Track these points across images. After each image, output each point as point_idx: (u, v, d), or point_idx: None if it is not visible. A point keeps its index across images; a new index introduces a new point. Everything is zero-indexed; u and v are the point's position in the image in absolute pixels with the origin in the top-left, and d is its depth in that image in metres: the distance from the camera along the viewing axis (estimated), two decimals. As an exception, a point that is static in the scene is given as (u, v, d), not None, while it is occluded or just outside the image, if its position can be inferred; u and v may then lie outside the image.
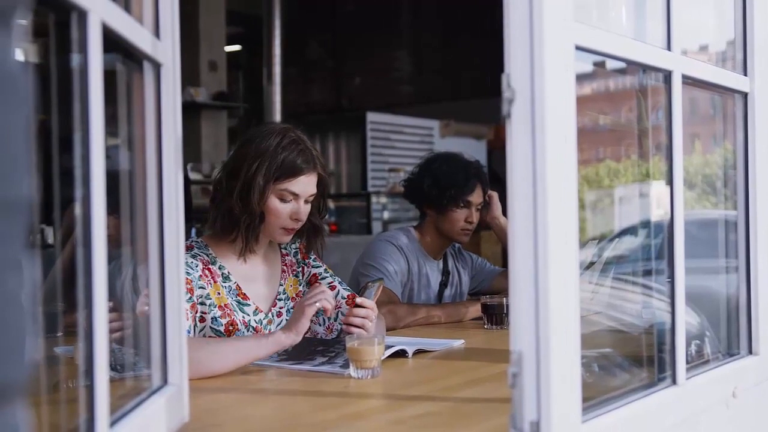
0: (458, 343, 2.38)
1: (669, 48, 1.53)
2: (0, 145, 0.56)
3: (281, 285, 2.38)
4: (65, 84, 1.05)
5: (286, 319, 2.32)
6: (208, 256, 2.24)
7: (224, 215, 2.23)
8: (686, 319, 1.59)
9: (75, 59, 1.04)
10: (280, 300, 2.36)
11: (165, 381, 1.39)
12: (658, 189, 1.96)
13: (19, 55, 0.60)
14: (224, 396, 1.80)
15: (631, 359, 1.77)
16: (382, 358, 1.95)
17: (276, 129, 2.26)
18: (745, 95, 1.83)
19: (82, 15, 1.01)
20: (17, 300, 0.58)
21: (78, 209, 1.03)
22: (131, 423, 1.18)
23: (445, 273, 3.19)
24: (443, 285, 3.18)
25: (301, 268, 2.44)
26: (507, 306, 2.68)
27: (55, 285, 2.05)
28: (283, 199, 2.22)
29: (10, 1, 0.57)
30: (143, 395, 1.31)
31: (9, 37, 0.57)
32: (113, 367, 1.27)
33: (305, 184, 2.23)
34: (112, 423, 1.10)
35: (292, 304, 2.36)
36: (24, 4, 0.60)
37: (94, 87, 1.03)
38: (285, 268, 2.41)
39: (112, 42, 1.13)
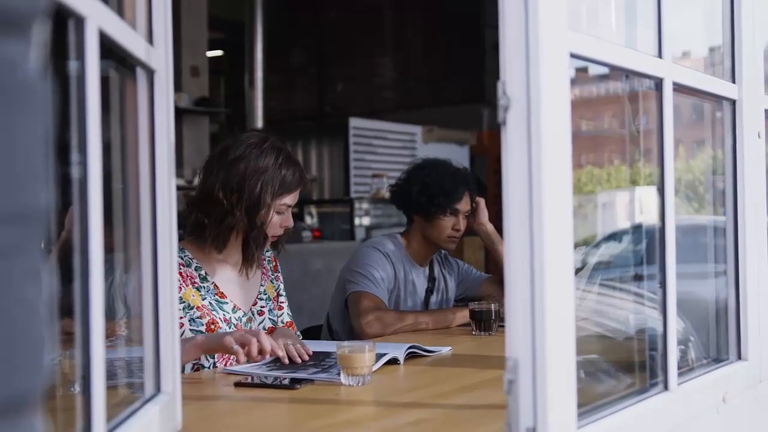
0: (446, 350, 2.38)
1: (660, 55, 1.54)
2: (20, 155, 0.56)
3: (262, 285, 2.46)
4: (61, 90, 1.04)
5: (269, 318, 2.44)
6: (182, 258, 2.27)
7: (227, 231, 2.29)
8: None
9: (71, 65, 1.03)
10: (261, 299, 2.44)
11: (158, 389, 1.38)
12: (641, 195, 1.97)
13: (38, 64, 0.59)
14: (217, 404, 1.80)
15: (620, 365, 1.77)
16: (376, 367, 1.95)
17: (266, 145, 2.33)
18: (733, 102, 1.85)
19: (80, 21, 1.00)
20: (36, 309, 0.58)
21: (75, 216, 1.02)
22: (126, 431, 1.17)
23: (431, 279, 3.19)
24: (429, 291, 3.18)
25: (275, 276, 2.56)
26: (495, 312, 2.69)
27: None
28: (279, 212, 2.33)
29: (28, 9, 0.57)
30: (137, 404, 1.31)
31: (27, 46, 0.57)
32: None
33: (297, 196, 2.38)
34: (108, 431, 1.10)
35: (272, 305, 2.47)
36: (43, 12, 0.60)
37: (92, 93, 1.02)
38: (264, 270, 2.50)
39: (106, 48, 1.12)
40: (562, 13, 1.23)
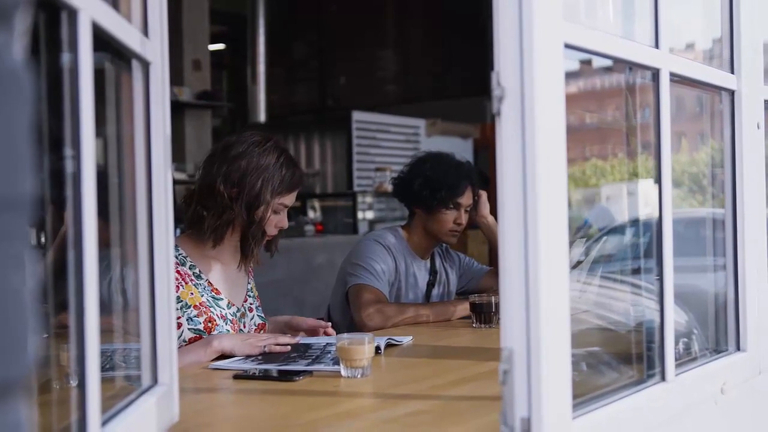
0: (408, 339, 2.41)
1: (657, 46, 1.54)
2: (3, 143, 0.56)
3: (249, 283, 2.51)
4: (53, 83, 1.04)
5: (258, 315, 2.48)
6: (176, 257, 2.28)
7: (225, 225, 2.31)
8: (674, 317, 1.60)
9: (64, 58, 1.03)
10: (249, 296, 2.49)
11: (155, 381, 1.39)
12: (645, 188, 1.96)
13: (20, 53, 0.60)
14: (214, 396, 1.80)
15: (620, 357, 1.77)
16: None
17: (269, 144, 2.35)
18: (732, 93, 1.84)
19: (73, 13, 1.00)
20: (20, 296, 0.58)
21: (68, 210, 1.02)
22: (122, 422, 1.17)
23: (433, 272, 3.19)
24: (431, 284, 3.18)
25: (253, 276, 2.59)
26: (495, 305, 2.69)
27: (41, 285, 2.06)
28: (275, 212, 2.36)
29: (11, 1, 0.57)
30: (133, 395, 1.31)
31: (10, 34, 0.57)
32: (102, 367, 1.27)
33: (294, 197, 2.41)
34: (104, 422, 1.10)
35: (258, 303, 2.52)
36: (25, 3, 0.60)
37: (85, 86, 1.02)
38: (250, 270, 2.53)
39: (101, 40, 1.12)
40: (556, 3, 1.22)
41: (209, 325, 2.26)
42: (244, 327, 2.40)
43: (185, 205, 2.35)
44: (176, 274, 2.25)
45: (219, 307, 2.32)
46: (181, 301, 2.24)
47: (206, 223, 2.29)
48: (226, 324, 2.31)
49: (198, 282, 2.31)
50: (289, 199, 2.37)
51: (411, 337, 2.44)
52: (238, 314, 2.39)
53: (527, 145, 1.18)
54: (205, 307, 2.28)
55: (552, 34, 1.21)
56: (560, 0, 1.24)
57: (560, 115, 1.23)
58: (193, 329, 2.24)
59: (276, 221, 2.36)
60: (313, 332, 2.45)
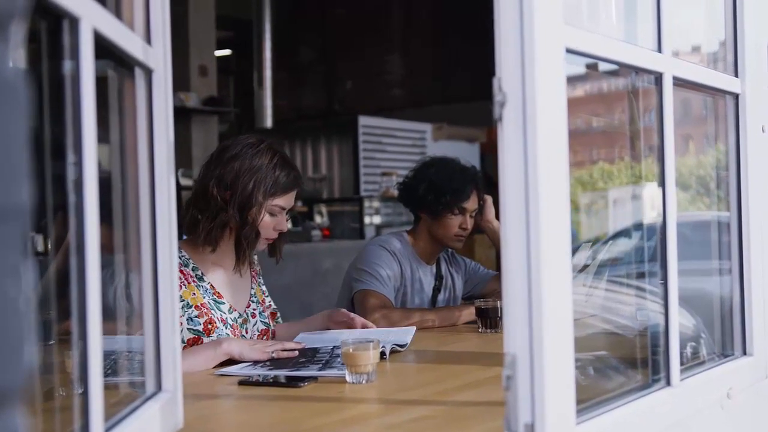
0: (411, 332, 2.44)
1: (660, 50, 1.54)
2: (1, 153, 0.57)
3: (252, 289, 2.50)
4: (56, 90, 1.05)
5: (261, 321, 2.48)
6: (180, 259, 2.28)
7: (219, 227, 2.31)
8: (681, 322, 1.60)
9: (66, 65, 1.03)
10: (253, 302, 2.48)
11: (159, 387, 1.39)
12: (651, 191, 1.96)
13: (17, 63, 0.60)
14: (218, 403, 1.80)
15: (626, 361, 1.77)
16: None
17: (262, 147, 2.36)
18: (736, 96, 1.84)
19: (74, 22, 1.00)
20: (16, 306, 0.58)
21: (71, 217, 1.02)
22: (126, 429, 1.17)
23: (439, 277, 3.19)
24: (437, 289, 3.18)
25: (261, 279, 2.59)
26: (501, 309, 2.68)
27: (47, 293, 2.06)
28: (272, 213, 2.35)
29: (7, 9, 0.57)
30: (137, 401, 1.31)
31: (6, 44, 0.57)
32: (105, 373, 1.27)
33: (292, 199, 2.39)
34: (107, 429, 1.10)
35: (261, 308, 2.50)
36: (21, 12, 0.60)
37: (87, 93, 1.02)
38: (253, 274, 2.53)
39: (103, 48, 1.13)
40: (557, 8, 1.22)
41: (209, 327, 2.27)
42: (246, 333, 2.40)
43: (184, 211, 2.35)
44: (179, 274, 2.26)
45: (220, 310, 2.32)
46: (183, 300, 2.25)
47: (200, 226, 2.30)
48: (226, 328, 2.31)
49: (200, 284, 2.32)
50: (285, 201, 2.36)
51: (414, 328, 2.45)
52: (240, 320, 2.39)
53: (529, 150, 1.18)
54: (206, 309, 2.28)
55: (553, 38, 1.21)
56: (561, 4, 1.24)
57: (562, 119, 1.23)
58: (193, 330, 2.25)
59: (274, 224, 2.35)
60: (348, 325, 2.48)
